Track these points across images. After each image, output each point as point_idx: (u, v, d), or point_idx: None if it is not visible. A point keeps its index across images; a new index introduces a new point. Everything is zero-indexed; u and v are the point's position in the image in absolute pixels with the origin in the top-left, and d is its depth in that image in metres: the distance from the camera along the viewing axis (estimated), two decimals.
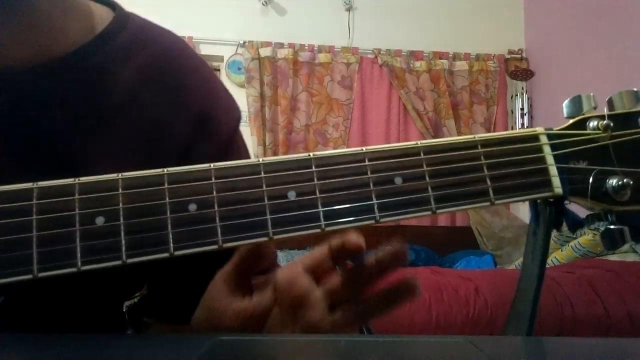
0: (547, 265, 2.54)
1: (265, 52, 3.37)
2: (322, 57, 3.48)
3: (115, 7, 0.51)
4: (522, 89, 3.57)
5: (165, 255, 0.31)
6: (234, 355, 0.32)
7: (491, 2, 3.70)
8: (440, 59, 3.56)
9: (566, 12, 3.23)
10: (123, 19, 0.51)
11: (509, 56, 3.63)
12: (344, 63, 3.50)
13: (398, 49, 3.53)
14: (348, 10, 3.56)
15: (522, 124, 3.54)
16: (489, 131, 3.50)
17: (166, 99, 0.50)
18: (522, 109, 3.55)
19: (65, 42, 0.46)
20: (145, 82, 0.49)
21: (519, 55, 3.63)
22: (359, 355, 0.33)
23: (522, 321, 0.35)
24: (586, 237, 2.54)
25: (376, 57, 3.51)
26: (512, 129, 3.61)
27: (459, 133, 3.52)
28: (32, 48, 0.44)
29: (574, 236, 2.60)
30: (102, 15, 0.50)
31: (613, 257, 2.46)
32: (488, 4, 3.69)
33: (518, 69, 3.53)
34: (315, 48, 3.47)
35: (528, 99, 3.54)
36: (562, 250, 2.64)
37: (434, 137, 3.43)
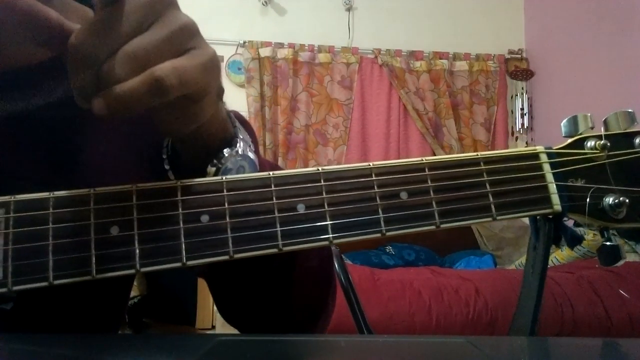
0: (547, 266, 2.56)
1: (265, 52, 3.38)
2: (322, 57, 3.48)
3: (93, 7, 0.54)
4: (522, 89, 3.58)
5: (178, 264, 0.32)
6: (234, 355, 0.32)
7: (491, 2, 3.71)
8: (440, 59, 3.57)
9: (566, 12, 3.24)
10: None
11: (509, 56, 3.64)
12: (344, 63, 3.50)
13: (398, 49, 3.53)
14: (348, 10, 3.56)
15: (522, 124, 3.55)
16: (489, 131, 3.51)
17: None
18: (522, 109, 3.56)
19: None
20: None
21: (519, 55, 3.64)
22: (359, 355, 0.34)
23: (523, 334, 0.36)
24: (586, 238, 2.55)
25: (376, 57, 3.52)
26: (512, 129, 3.62)
27: (459, 133, 3.53)
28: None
29: None
30: (86, 14, 0.53)
31: None
32: (488, 4, 3.69)
33: (518, 69, 3.54)
34: (315, 48, 3.48)
35: (528, 99, 3.55)
36: (562, 251, 2.64)
37: (434, 138, 3.44)
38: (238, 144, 0.42)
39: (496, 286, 2.03)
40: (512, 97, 3.64)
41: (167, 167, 0.43)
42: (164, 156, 0.43)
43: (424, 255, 3.08)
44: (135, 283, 2.30)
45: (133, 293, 2.45)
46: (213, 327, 2.99)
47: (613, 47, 2.80)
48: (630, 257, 2.47)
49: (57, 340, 0.37)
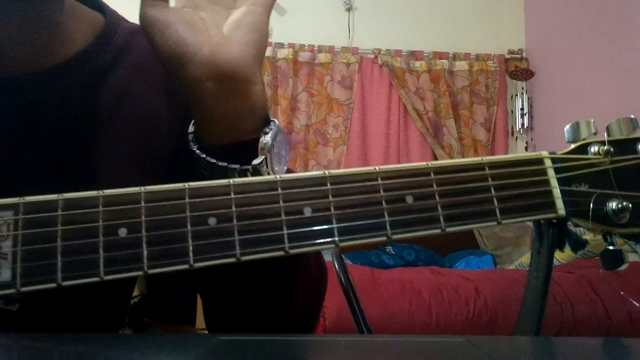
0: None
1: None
2: (322, 57, 3.49)
3: (104, 12, 0.53)
4: (522, 89, 3.59)
5: (185, 266, 0.33)
6: (234, 355, 0.33)
7: (491, 2, 3.71)
8: (440, 59, 3.57)
9: (566, 12, 3.24)
10: (114, 22, 0.53)
11: (509, 56, 3.64)
12: (344, 63, 3.51)
13: (398, 49, 3.54)
14: (348, 10, 3.57)
15: (522, 124, 3.56)
16: (489, 131, 3.52)
17: (156, 90, 0.53)
18: (522, 109, 3.57)
19: (72, 45, 0.49)
20: (136, 78, 0.52)
21: (519, 55, 3.64)
22: (359, 355, 0.34)
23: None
24: (586, 237, 2.55)
25: (376, 57, 3.53)
26: (512, 129, 3.62)
27: (459, 133, 3.53)
28: (42, 53, 0.47)
29: None
30: (96, 19, 0.52)
31: None
32: (488, 4, 3.70)
33: (518, 69, 3.54)
34: (315, 48, 3.48)
35: (528, 99, 3.56)
36: (562, 251, 2.65)
37: (434, 137, 3.44)
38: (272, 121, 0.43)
39: (496, 286, 2.03)
40: (512, 97, 3.64)
41: (202, 155, 0.42)
42: (194, 146, 0.43)
43: (423, 255, 3.08)
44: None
45: (133, 293, 2.45)
46: None
47: (613, 47, 2.80)
48: (630, 257, 2.48)
49: (58, 339, 0.37)
